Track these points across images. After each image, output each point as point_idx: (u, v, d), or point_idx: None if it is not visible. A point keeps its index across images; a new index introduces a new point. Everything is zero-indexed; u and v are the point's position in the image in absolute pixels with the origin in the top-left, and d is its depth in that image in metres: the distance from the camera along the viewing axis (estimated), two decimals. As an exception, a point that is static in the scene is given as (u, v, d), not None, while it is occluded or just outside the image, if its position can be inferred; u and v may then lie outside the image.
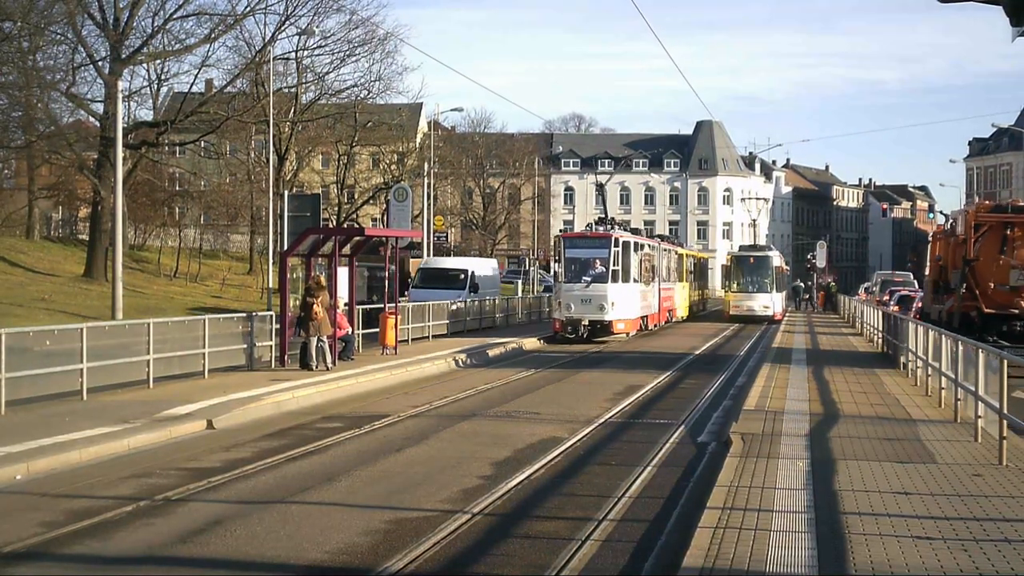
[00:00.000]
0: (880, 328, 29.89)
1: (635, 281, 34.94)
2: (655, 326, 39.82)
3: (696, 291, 55.75)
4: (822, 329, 42.50)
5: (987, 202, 37.78)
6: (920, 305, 35.81)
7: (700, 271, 58.81)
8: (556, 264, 34.80)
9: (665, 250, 43.50)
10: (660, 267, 40.92)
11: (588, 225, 43.85)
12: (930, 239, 34.97)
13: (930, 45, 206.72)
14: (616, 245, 33.05)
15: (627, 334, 34.72)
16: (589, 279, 32.87)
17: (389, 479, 12.15)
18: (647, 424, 16.76)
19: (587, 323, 32.67)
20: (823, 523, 9.14)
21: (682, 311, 48.45)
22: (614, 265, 32.84)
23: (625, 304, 33.59)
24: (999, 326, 24.56)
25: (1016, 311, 24.70)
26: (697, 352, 31.11)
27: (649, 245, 39.38)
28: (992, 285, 24.94)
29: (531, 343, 32.29)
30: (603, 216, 38.42)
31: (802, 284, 70.20)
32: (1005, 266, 24.84)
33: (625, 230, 37.69)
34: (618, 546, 9.37)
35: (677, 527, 9.92)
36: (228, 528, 9.80)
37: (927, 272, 34.99)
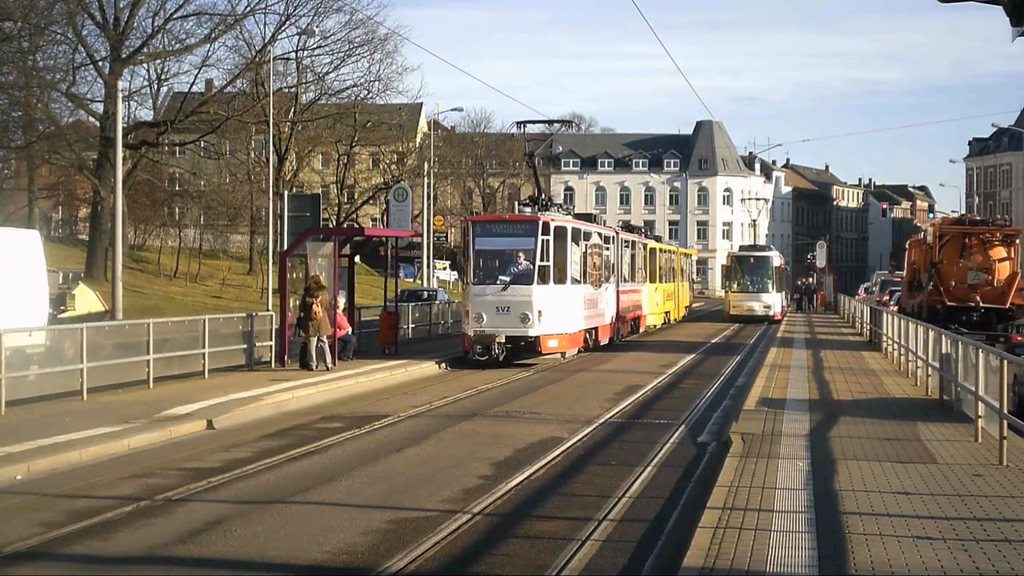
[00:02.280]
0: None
1: (576, 281, 26.35)
2: (609, 340, 30.75)
3: (679, 292, 48.55)
4: (821, 328, 42.50)
5: (951, 215, 46.38)
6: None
7: (684, 269, 51.88)
8: (464, 259, 26.32)
9: (626, 242, 34.68)
10: (619, 263, 32.75)
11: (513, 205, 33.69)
12: (907, 247, 40.14)
13: (930, 45, 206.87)
14: (546, 232, 24.52)
15: (562, 353, 26.31)
16: (508, 279, 24.37)
17: (389, 479, 12.15)
18: (647, 424, 16.75)
19: (504, 340, 24.30)
20: (823, 523, 9.14)
21: (654, 318, 40.40)
22: (543, 259, 24.38)
23: (559, 313, 25.04)
24: (959, 316, 29.15)
25: (972, 304, 29.31)
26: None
27: (600, 234, 30.22)
28: (953, 283, 29.74)
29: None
30: (535, 195, 28.67)
31: (797, 283, 70.44)
32: (964, 268, 29.79)
33: (568, 214, 29.44)
34: (618, 546, 9.37)
35: (677, 527, 9.91)
36: (228, 528, 9.80)
37: (904, 274, 40.56)
